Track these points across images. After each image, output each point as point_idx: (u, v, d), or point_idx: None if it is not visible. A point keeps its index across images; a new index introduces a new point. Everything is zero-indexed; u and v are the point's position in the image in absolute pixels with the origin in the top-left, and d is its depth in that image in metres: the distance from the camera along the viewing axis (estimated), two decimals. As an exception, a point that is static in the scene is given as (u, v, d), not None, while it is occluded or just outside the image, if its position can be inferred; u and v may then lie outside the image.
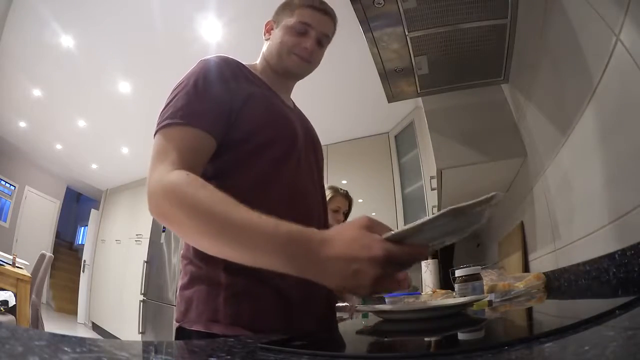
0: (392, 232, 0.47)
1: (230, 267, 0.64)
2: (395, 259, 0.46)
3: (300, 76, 0.87)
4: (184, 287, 0.70)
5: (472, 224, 0.49)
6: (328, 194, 1.75)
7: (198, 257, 0.69)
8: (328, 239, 0.49)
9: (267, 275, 0.56)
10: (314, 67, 0.86)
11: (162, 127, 0.64)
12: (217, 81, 0.70)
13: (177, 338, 0.67)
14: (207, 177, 0.65)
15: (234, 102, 0.69)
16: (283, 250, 0.49)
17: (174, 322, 0.71)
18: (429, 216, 0.45)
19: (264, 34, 0.88)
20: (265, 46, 0.86)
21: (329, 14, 0.85)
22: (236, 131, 0.69)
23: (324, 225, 0.81)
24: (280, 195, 0.66)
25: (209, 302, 0.65)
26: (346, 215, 1.85)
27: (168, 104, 0.68)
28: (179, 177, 0.58)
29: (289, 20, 0.81)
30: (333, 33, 0.87)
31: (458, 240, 0.54)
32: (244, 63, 0.80)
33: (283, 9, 0.85)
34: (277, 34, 0.83)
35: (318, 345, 0.56)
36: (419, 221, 0.46)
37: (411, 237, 0.47)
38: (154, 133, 0.66)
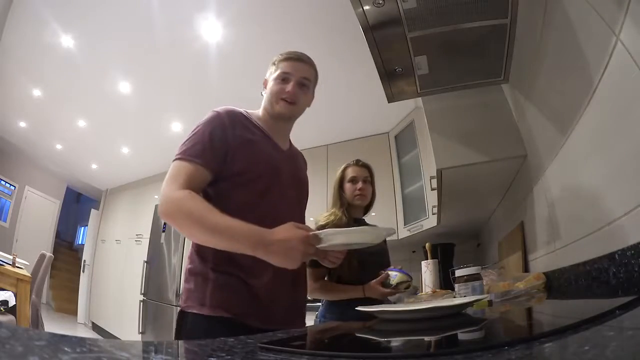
0: (316, 232, 0.81)
1: (216, 267, 0.89)
2: (313, 242, 0.80)
3: (291, 118, 1.05)
4: (185, 280, 0.94)
5: (367, 242, 0.89)
6: (339, 169, 1.64)
7: (195, 257, 0.93)
8: (274, 230, 0.80)
9: (243, 274, 0.88)
10: (300, 108, 1.04)
11: (178, 159, 0.89)
12: (220, 130, 0.93)
13: (178, 319, 0.90)
14: (209, 197, 0.90)
15: (230, 146, 0.92)
16: (248, 239, 0.79)
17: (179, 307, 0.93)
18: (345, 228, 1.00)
19: (262, 91, 1.07)
20: (263, 99, 1.06)
21: (304, 61, 1.04)
22: (233, 166, 0.92)
23: None
24: (261, 218, 0.83)
25: (200, 291, 0.88)
26: (371, 183, 1.63)
27: (184, 142, 0.92)
28: (182, 193, 0.84)
29: (275, 74, 1.02)
30: (314, 76, 1.06)
31: (360, 247, 0.92)
32: (248, 112, 1.02)
33: (271, 67, 1.05)
34: (269, 86, 1.04)
35: (318, 345, 0.56)
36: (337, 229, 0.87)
37: (327, 235, 0.81)
38: (173, 160, 0.90)
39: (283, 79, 1.01)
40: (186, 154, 0.89)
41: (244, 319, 0.85)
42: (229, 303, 0.86)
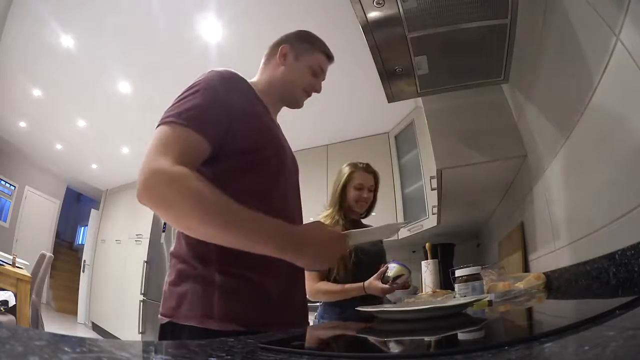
0: (346, 231, 0.79)
1: (223, 269, 0.72)
2: (346, 243, 0.75)
3: (297, 107, 0.97)
4: (174, 284, 0.74)
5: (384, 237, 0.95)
6: (346, 170, 1.58)
7: (193, 258, 0.74)
8: (304, 228, 0.73)
9: (251, 273, 0.73)
10: None
11: (168, 123, 0.69)
12: (223, 94, 0.75)
13: (166, 333, 0.71)
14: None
15: (234, 115, 0.75)
16: (281, 238, 0.66)
17: (160, 317, 0.73)
18: (371, 226, 0.98)
19: (278, 58, 0.93)
20: (278, 69, 0.93)
21: (333, 62, 1.00)
22: (237, 142, 0.74)
23: None
24: (273, 205, 0.73)
25: (203, 299, 0.70)
26: (374, 192, 1.60)
27: (176, 102, 0.72)
28: (184, 170, 0.63)
29: (310, 60, 0.94)
30: None
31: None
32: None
33: (302, 42, 0.95)
34: (295, 66, 0.93)
35: (318, 345, 0.56)
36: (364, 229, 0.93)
37: (354, 235, 0.79)
38: (157, 124, 0.70)
39: (315, 73, 0.95)
40: (181, 117, 0.68)
41: (258, 329, 0.67)
42: (242, 312, 0.70)
